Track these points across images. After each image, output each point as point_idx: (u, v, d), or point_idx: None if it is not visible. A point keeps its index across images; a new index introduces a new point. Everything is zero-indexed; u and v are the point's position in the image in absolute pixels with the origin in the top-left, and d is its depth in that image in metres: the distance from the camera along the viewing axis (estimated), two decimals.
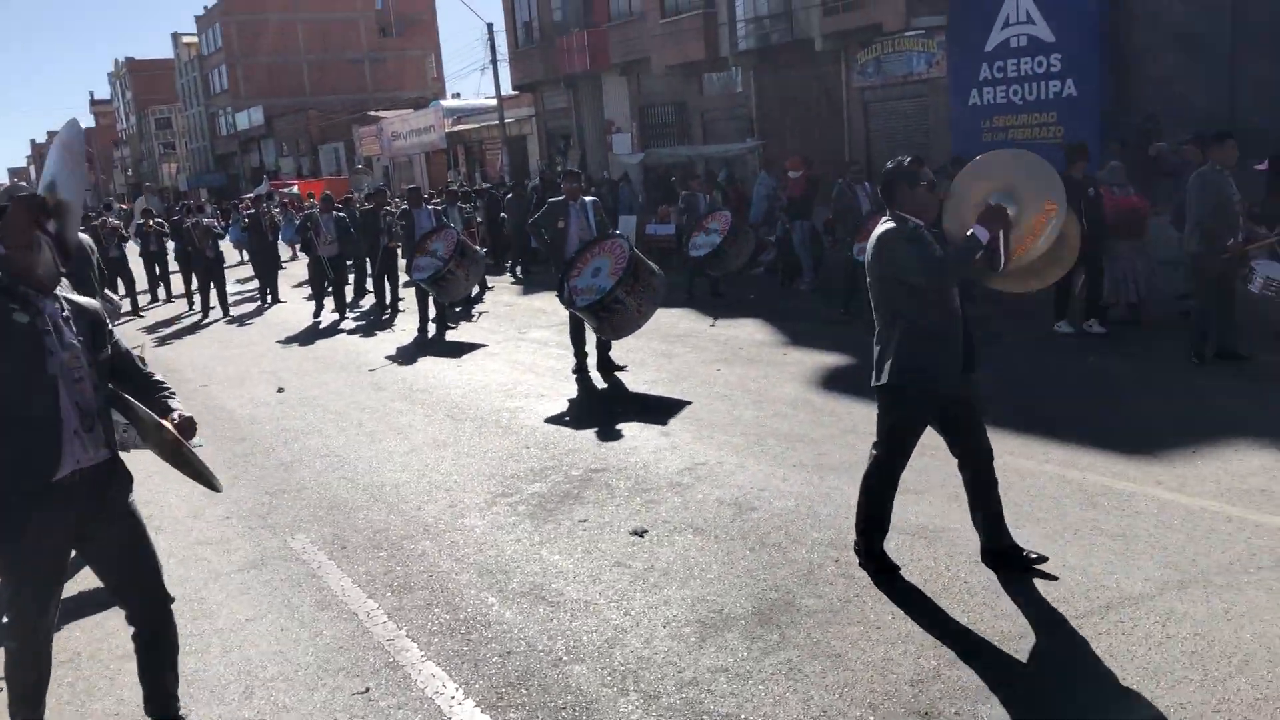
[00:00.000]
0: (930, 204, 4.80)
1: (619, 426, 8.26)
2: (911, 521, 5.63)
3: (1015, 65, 21.50)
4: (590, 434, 8.13)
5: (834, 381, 9.39)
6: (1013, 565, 4.92)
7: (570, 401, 9.46)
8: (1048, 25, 20.70)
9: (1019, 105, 21.51)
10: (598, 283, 9.60)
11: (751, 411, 8.45)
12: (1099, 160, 13.54)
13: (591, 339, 10.48)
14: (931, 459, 5.91)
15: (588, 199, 10.77)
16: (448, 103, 49.07)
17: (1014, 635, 4.33)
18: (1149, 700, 3.77)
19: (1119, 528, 5.38)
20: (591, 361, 10.58)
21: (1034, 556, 4.95)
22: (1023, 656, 4.18)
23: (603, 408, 9.11)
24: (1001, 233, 4.66)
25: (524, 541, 5.89)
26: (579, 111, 35.86)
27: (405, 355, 12.39)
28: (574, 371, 10.52)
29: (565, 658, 4.46)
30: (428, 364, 11.74)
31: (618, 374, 10.38)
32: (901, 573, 5.01)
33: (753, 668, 4.24)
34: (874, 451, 5.04)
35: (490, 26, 35.57)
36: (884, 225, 4.79)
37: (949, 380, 4.76)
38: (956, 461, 5.00)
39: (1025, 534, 5.25)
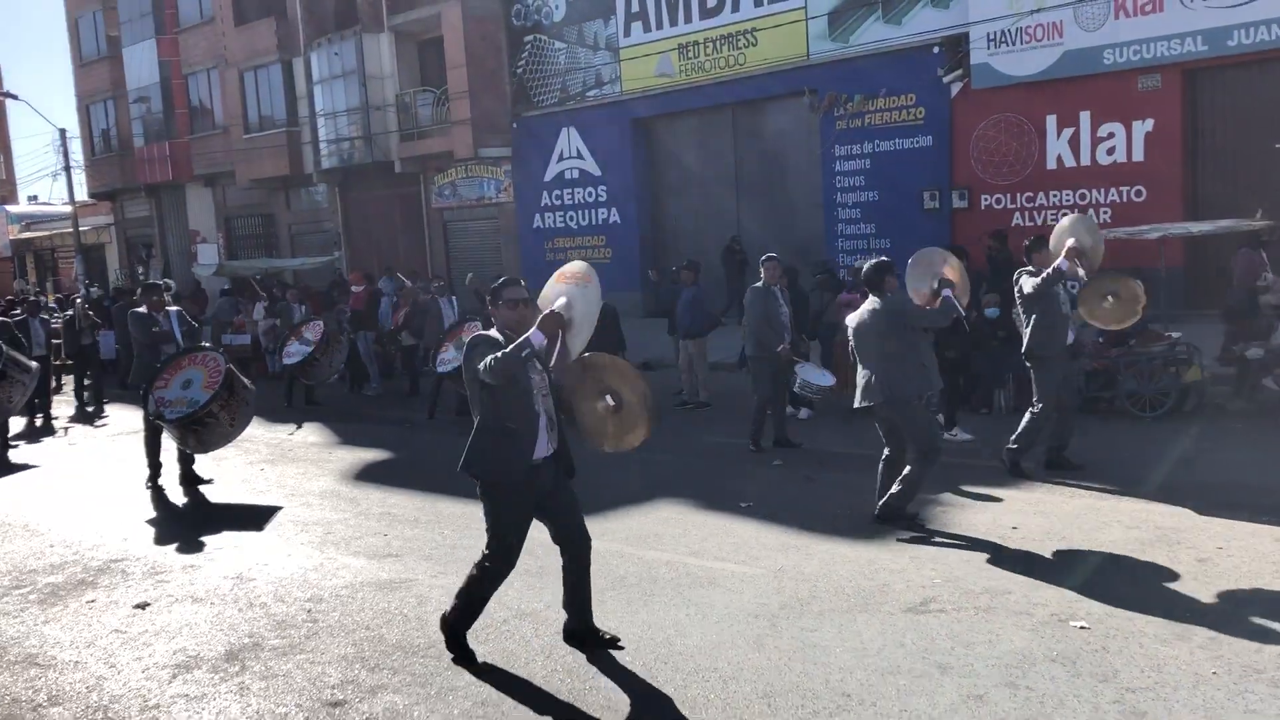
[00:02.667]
0: (517, 320, 5.11)
1: (141, 520, 8.91)
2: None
3: (570, 194, 24.09)
4: (114, 528, 8.67)
5: (367, 475, 10.52)
6: (594, 644, 5.40)
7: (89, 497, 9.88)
8: (594, 160, 23.44)
9: (574, 229, 24.12)
10: (189, 395, 9.39)
11: (281, 503, 9.37)
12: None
13: (169, 451, 10.20)
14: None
15: (172, 309, 10.73)
16: (16, 208, 45.79)
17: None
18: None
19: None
20: (173, 475, 10.28)
21: (608, 637, 5.42)
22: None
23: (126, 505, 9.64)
24: (561, 334, 5.03)
25: (29, 623, 6.45)
26: (162, 220, 35.11)
27: None
28: (147, 485, 10.24)
29: (45, 704, 5.18)
30: None
31: (201, 487, 10.15)
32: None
33: (210, 691, 5.21)
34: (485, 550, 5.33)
35: (63, 133, 34.12)
36: (476, 333, 5.31)
37: (518, 473, 5.10)
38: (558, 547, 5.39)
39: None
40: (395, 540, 7.86)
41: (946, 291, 7.29)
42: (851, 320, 7.61)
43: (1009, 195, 17.69)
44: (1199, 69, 15.78)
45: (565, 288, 5.18)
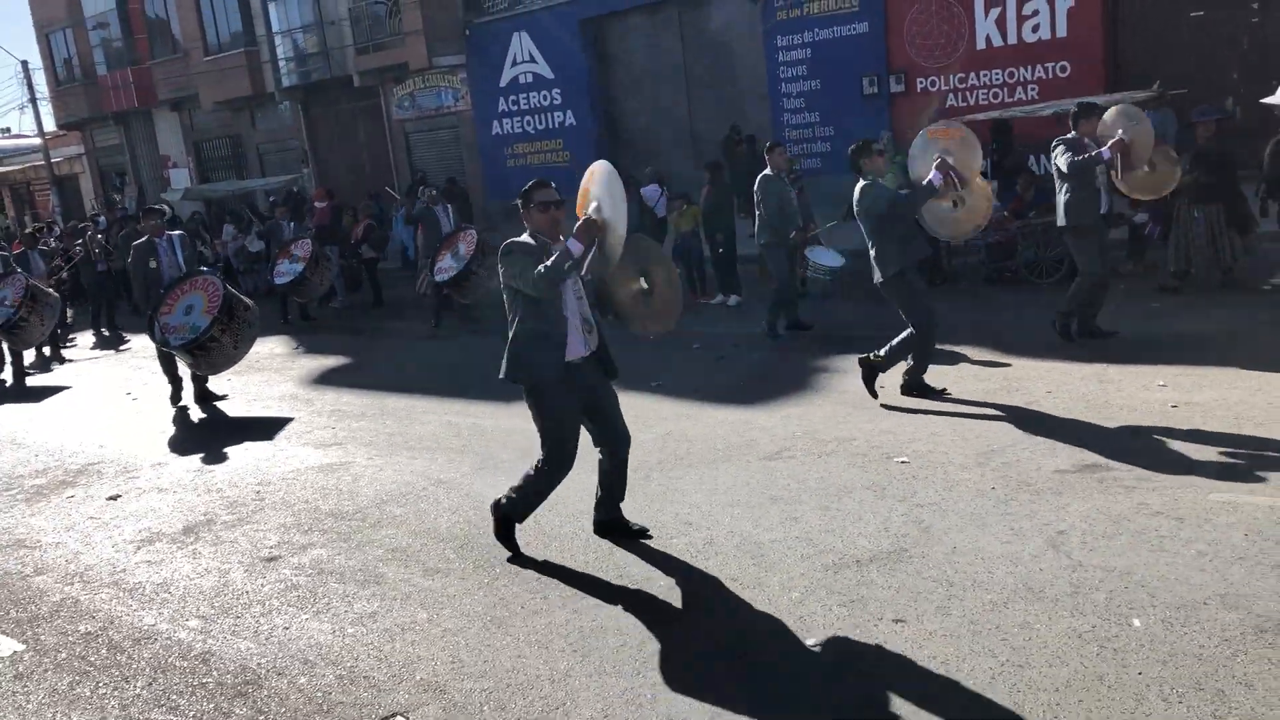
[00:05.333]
0: (549, 224, 5.17)
1: (111, 428, 9.85)
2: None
3: (526, 99, 24.49)
4: (92, 437, 9.61)
5: (324, 379, 11.43)
6: (623, 534, 5.54)
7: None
8: (547, 64, 23.80)
9: (532, 134, 24.59)
10: (191, 320, 9.63)
11: (242, 409, 10.30)
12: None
13: (184, 370, 10.52)
14: None
15: (174, 234, 10.83)
16: None
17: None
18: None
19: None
20: (189, 393, 10.70)
21: (637, 527, 5.55)
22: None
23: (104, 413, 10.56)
24: (597, 242, 5.02)
25: (16, 516, 7.40)
26: (133, 148, 35.39)
27: None
28: (172, 402, 10.61)
29: (31, 574, 6.15)
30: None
31: (217, 403, 10.50)
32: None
33: (168, 557, 6.17)
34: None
35: (25, 64, 34.25)
36: (512, 239, 5.20)
37: (555, 371, 5.13)
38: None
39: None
40: (341, 432, 8.79)
41: (934, 174, 7.36)
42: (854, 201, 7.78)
43: (942, 77, 18.24)
44: None
45: (595, 190, 5.12)
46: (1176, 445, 5.95)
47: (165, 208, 14.88)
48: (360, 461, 7.77)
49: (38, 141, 36.66)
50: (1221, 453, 5.73)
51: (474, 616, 4.84)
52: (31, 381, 13.28)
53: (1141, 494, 5.27)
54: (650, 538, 5.49)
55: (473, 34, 24.75)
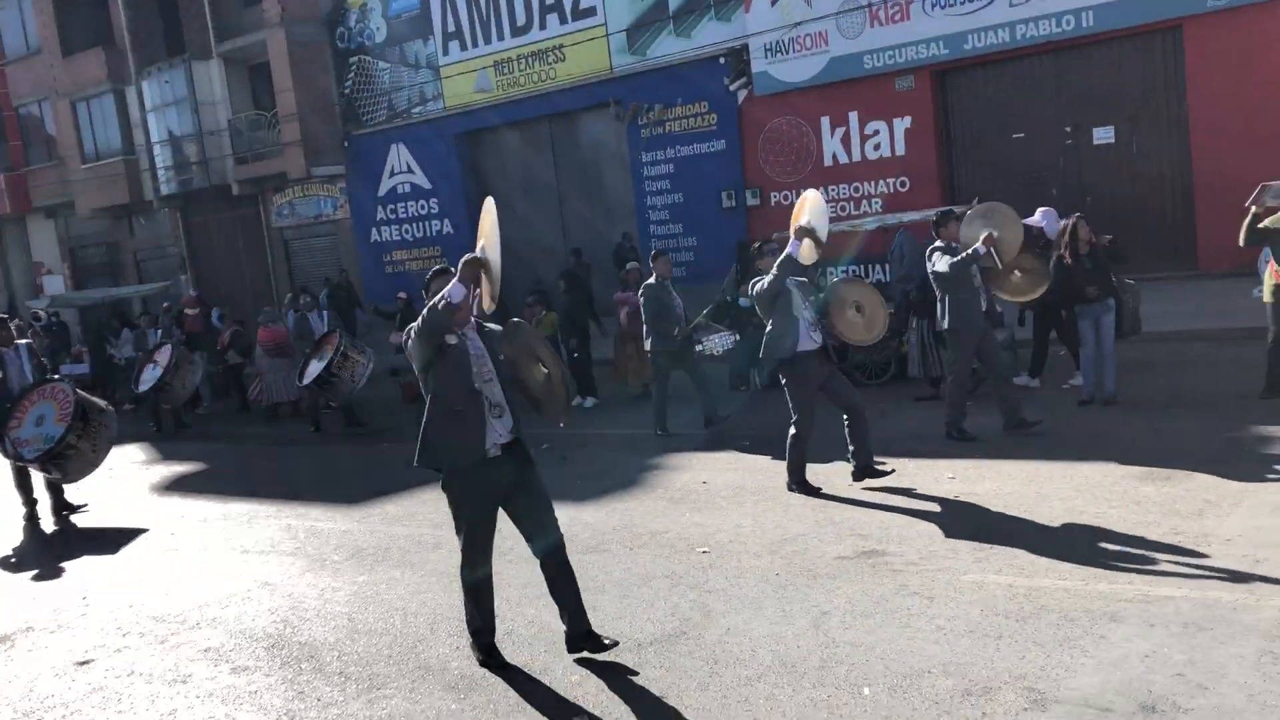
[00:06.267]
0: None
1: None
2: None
3: (404, 207, 25.02)
4: None
5: (175, 485, 11.46)
6: (594, 648, 5.15)
7: None
8: (424, 174, 24.42)
9: (410, 241, 25.05)
10: (44, 430, 9.47)
11: (93, 519, 10.29)
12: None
13: (39, 483, 10.21)
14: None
15: (22, 343, 10.48)
16: None
17: None
18: None
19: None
20: (45, 505, 10.30)
21: (608, 641, 5.15)
22: None
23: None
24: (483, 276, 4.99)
25: None
26: (4, 254, 34.76)
27: None
28: (26, 520, 10.18)
29: None
30: None
31: (73, 515, 10.27)
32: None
33: None
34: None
35: None
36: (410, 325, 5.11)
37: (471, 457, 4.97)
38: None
39: None
40: (181, 538, 8.88)
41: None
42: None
43: (795, 191, 19.25)
44: (945, 70, 17.59)
45: (482, 233, 5.14)
46: (949, 532, 6.48)
47: (38, 313, 14.74)
48: (193, 566, 7.87)
49: None
50: (982, 538, 6.27)
51: (270, 710, 5.04)
52: None
53: (905, 576, 5.76)
54: (616, 644, 5.13)
55: (351, 144, 25.28)
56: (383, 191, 25.17)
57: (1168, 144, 16.05)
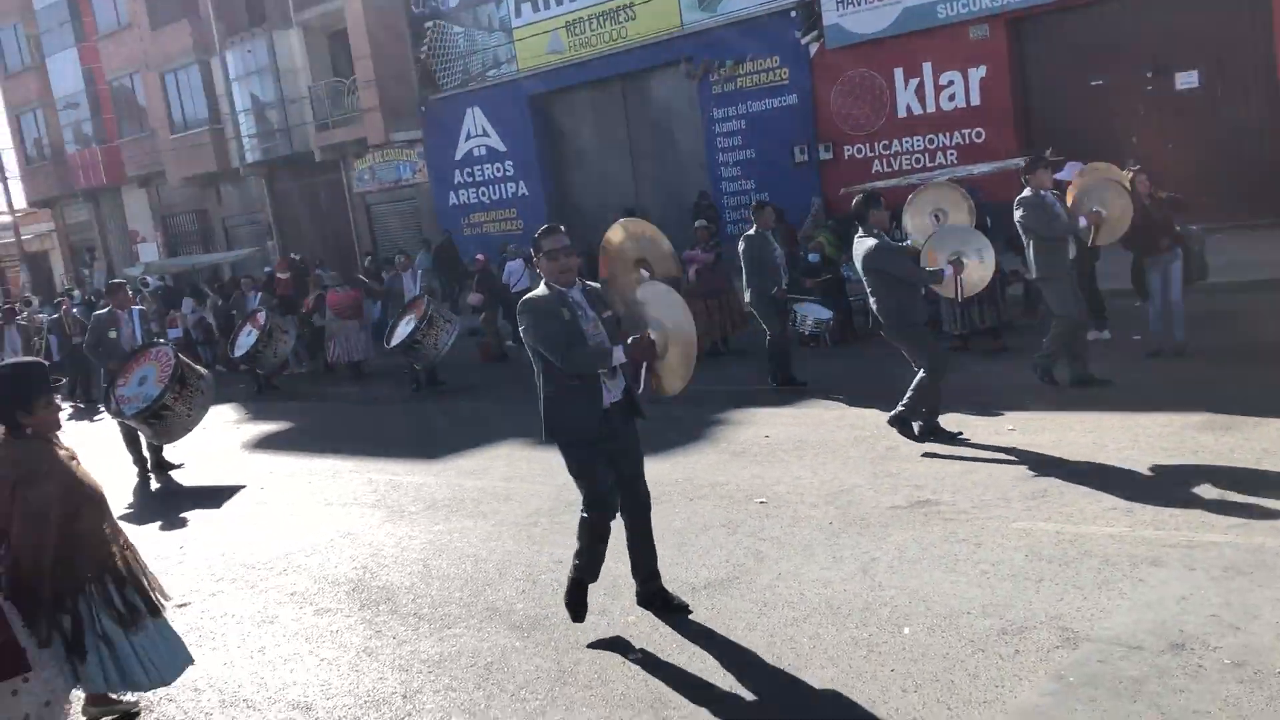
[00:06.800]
0: (559, 271, 5.01)
1: None
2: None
3: (480, 170, 25.38)
4: None
5: (265, 444, 12.02)
6: (662, 607, 5.29)
7: None
8: (499, 137, 24.73)
9: (487, 204, 25.43)
10: (145, 390, 9.94)
11: (191, 477, 10.88)
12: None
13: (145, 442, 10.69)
14: None
15: (135, 308, 11.16)
16: None
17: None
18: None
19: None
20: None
21: (677, 602, 5.28)
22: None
23: None
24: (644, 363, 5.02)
25: None
26: (102, 224, 36.12)
27: None
28: (139, 477, 10.76)
29: None
30: None
31: (172, 472, 10.84)
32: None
33: None
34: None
35: None
36: (531, 292, 5.14)
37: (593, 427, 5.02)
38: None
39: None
40: (269, 492, 9.37)
41: (947, 269, 7.70)
42: (856, 252, 7.85)
43: (868, 145, 19.17)
44: (1020, 17, 17.26)
45: (655, 311, 5.06)
46: (1003, 482, 6.59)
47: (145, 279, 15.44)
48: (280, 517, 8.33)
49: (7, 219, 37.32)
50: (1037, 486, 6.37)
51: (349, 648, 5.41)
52: None
53: (955, 524, 5.90)
54: (690, 612, 5.21)
55: (428, 109, 25.68)
56: (459, 155, 25.57)
57: (1254, 88, 15.59)
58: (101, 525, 4.74)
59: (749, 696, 4.35)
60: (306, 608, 6.12)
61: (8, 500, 4.36)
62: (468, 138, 25.31)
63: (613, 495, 5.10)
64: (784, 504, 6.75)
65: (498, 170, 25.00)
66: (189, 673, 5.29)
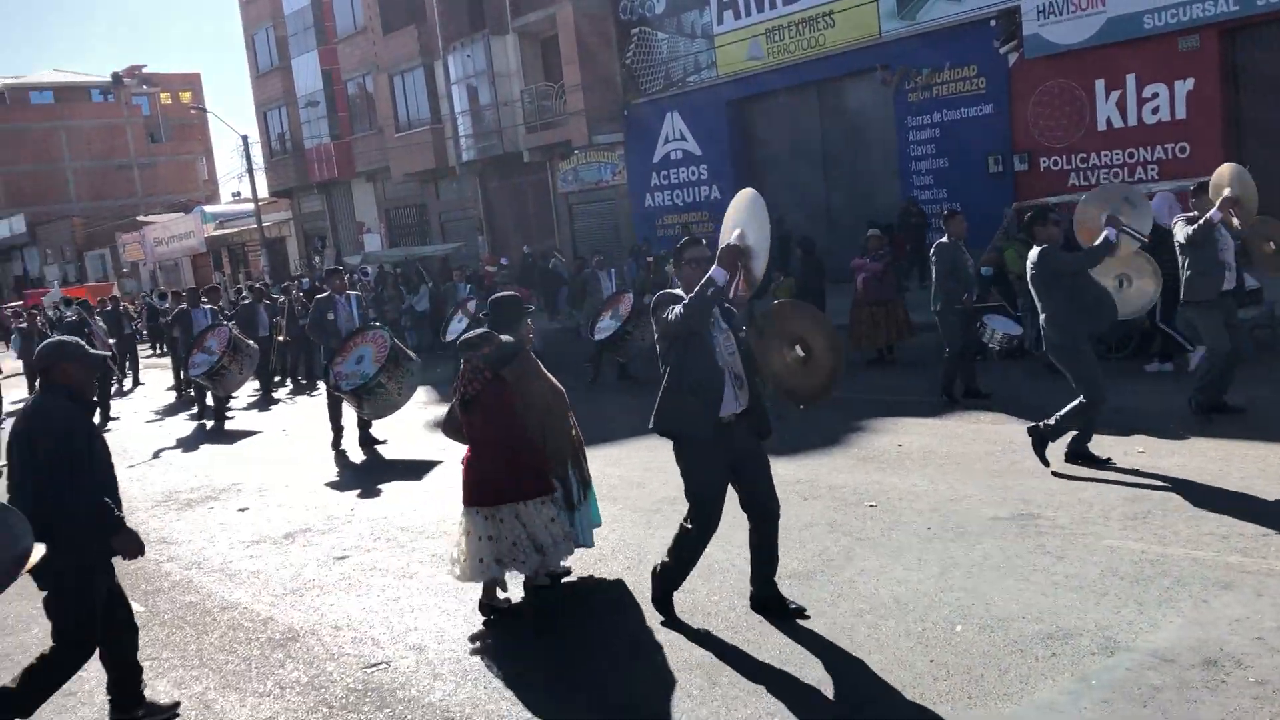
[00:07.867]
0: (699, 280, 4.95)
1: (264, 458, 11.64)
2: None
3: (676, 174, 26.10)
4: (241, 466, 11.39)
5: None
6: (778, 612, 5.33)
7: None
8: (695, 141, 25.38)
9: (680, 207, 26.13)
10: (361, 369, 10.77)
11: (390, 452, 11.99)
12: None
13: (350, 417, 11.72)
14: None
15: (351, 293, 12.31)
16: (209, 208, 51.33)
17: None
18: None
19: None
20: (353, 438, 11.78)
21: (794, 606, 5.34)
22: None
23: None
24: (742, 265, 5.00)
25: (166, 521, 9.13)
26: (333, 214, 39.02)
27: (187, 444, 13.96)
28: (333, 447, 11.67)
29: (165, 561, 7.76)
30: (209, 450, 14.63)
31: (376, 447, 11.63)
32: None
33: (265, 553, 7.67)
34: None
35: (245, 139, 38.44)
36: (663, 290, 5.31)
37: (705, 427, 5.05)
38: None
39: None
40: (449, 465, 10.25)
41: (1108, 230, 7.41)
42: (1028, 268, 7.80)
43: (1065, 157, 18.70)
44: (1234, 28, 16.48)
45: (737, 217, 5.13)
46: (1111, 501, 6.62)
47: (344, 269, 16.76)
48: (443, 490, 9.15)
49: (251, 207, 40.87)
50: (1141, 508, 6.39)
51: (469, 602, 6.08)
52: (230, 425, 14.89)
53: (1047, 538, 6.03)
54: (807, 617, 5.26)
55: (630, 114, 26.61)
56: (657, 158, 26.38)
57: None
58: (567, 416, 6.17)
59: (785, 668, 4.72)
60: (442, 567, 6.81)
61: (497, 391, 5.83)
62: (665, 141, 26.09)
63: (717, 508, 5.19)
64: (891, 509, 7.01)
65: (692, 174, 25.66)
66: (333, 614, 6.12)
